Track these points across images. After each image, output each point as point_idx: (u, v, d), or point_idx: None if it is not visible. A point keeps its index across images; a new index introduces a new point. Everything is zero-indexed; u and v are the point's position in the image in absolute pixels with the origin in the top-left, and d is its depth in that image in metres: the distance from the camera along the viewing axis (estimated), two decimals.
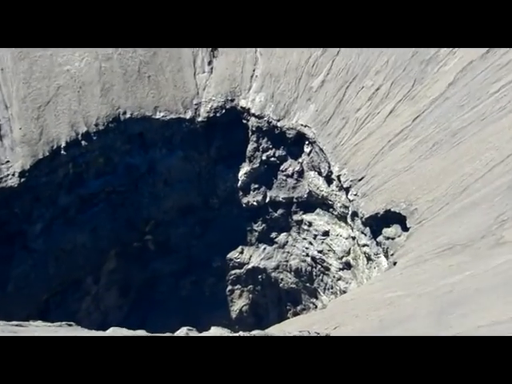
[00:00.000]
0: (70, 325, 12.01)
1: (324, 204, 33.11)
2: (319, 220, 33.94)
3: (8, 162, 29.73)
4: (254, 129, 34.42)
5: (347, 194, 28.27)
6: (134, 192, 35.18)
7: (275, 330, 15.13)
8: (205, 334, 11.30)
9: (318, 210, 34.05)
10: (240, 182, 36.54)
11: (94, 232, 33.97)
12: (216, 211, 37.91)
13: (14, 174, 29.68)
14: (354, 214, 28.26)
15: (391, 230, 24.99)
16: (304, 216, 34.97)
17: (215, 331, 11.73)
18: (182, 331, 11.45)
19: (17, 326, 11.07)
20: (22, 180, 29.90)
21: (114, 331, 11.41)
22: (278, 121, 32.93)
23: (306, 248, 35.70)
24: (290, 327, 18.04)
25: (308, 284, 36.72)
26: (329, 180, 31.35)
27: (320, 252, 34.41)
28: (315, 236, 34.53)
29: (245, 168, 36.14)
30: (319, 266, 35.06)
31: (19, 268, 30.70)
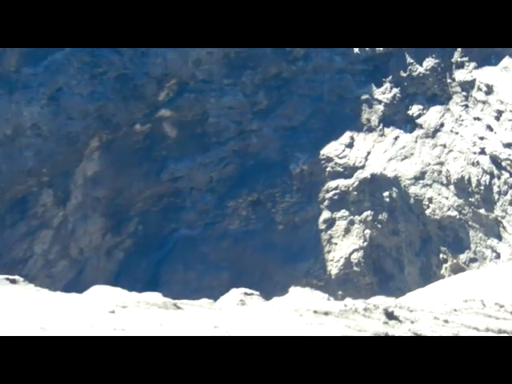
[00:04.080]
0: (12, 280, 9.37)
1: None
2: (510, 81, 29.01)
3: None
4: None
5: None
6: None
7: (415, 300, 11.97)
8: (276, 302, 9.20)
9: (507, 61, 28.61)
10: None
11: (57, 99, 26.93)
12: (300, 61, 31.94)
13: None
14: None
15: None
16: (477, 72, 29.69)
17: (298, 295, 9.30)
18: (234, 297, 9.83)
19: None
20: None
21: (100, 293, 9.02)
22: None
23: (481, 138, 29.22)
24: (446, 296, 14.39)
25: (483, 211, 29.16)
26: None
27: (510, 146, 28.61)
28: (499, 114, 28.86)
29: None
30: (507, 175, 29.15)
31: None
